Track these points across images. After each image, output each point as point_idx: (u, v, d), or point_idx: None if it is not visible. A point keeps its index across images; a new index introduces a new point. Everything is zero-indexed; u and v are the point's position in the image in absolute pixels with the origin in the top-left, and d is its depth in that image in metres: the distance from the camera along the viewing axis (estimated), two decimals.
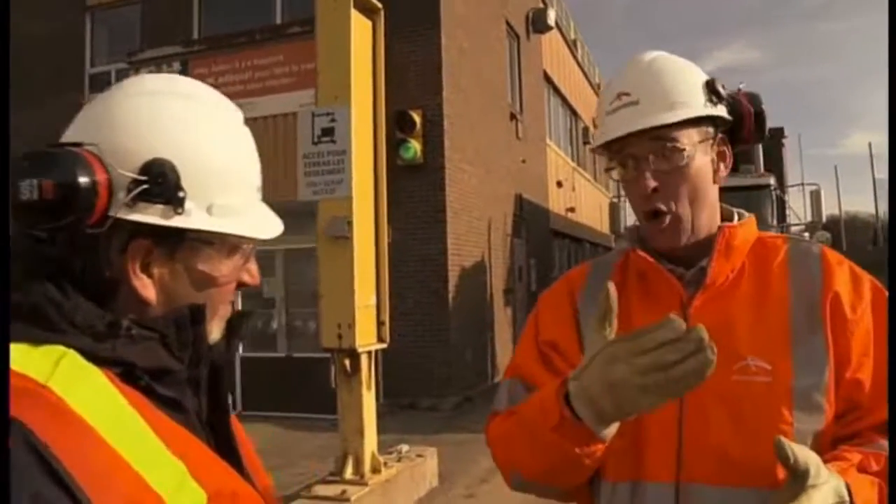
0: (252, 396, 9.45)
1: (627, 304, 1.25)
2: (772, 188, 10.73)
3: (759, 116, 1.33)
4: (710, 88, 1.27)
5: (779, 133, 13.00)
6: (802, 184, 12.06)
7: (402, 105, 9.52)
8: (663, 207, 1.23)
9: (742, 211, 1.35)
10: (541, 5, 15.48)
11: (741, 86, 1.36)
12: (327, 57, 5.31)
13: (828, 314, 1.20)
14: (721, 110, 1.28)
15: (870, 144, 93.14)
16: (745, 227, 1.30)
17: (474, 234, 11.01)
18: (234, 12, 11.35)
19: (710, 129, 1.27)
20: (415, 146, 9.60)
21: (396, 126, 9.50)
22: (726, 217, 1.34)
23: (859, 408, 1.18)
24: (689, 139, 1.23)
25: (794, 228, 11.38)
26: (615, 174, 1.31)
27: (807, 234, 10.78)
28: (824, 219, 11.33)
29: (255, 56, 9.96)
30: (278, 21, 10.84)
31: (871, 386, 1.18)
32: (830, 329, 1.19)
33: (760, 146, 11.40)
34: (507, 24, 13.48)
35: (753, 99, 1.33)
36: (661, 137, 1.22)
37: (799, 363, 1.17)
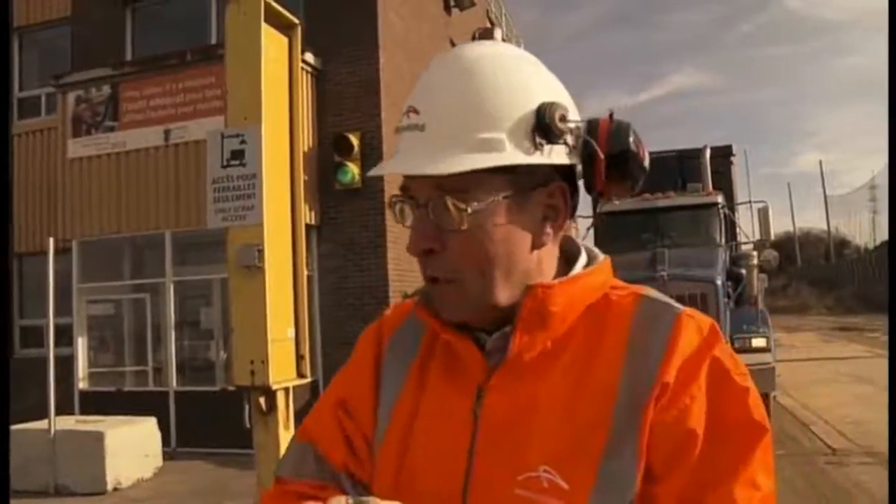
0: (186, 433, 9.06)
1: (427, 371, 0.99)
2: (720, 206, 10.59)
3: (621, 159, 0.93)
4: (540, 122, 0.86)
5: (727, 151, 12.92)
6: (750, 201, 11.98)
7: (339, 128, 9.24)
8: (437, 276, 0.90)
9: (595, 250, 0.99)
10: (487, 25, 15.37)
11: (612, 113, 0.97)
12: (236, 74, 4.99)
13: (650, 411, 0.83)
14: (555, 153, 0.88)
15: (820, 162, 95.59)
16: (580, 282, 0.92)
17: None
18: (169, 33, 10.99)
19: (535, 178, 0.89)
20: (352, 170, 9.30)
21: (334, 149, 9.20)
22: (570, 257, 0.98)
23: None
24: (488, 192, 0.86)
25: (743, 247, 11.25)
26: (407, 216, 0.93)
27: (755, 253, 10.66)
28: (773, 236, 11.21)
29: (186, 78, 9.56)
30: (213, 41, 10.49)
31: None
32: (649, 432, 0.83)
33: (707, 164, 11.25)
34: (452, 44, 13.30)
35: (616, 133, 0.92)
36: (442, 187, 0.86)
37: (602, 483, 0.82)
